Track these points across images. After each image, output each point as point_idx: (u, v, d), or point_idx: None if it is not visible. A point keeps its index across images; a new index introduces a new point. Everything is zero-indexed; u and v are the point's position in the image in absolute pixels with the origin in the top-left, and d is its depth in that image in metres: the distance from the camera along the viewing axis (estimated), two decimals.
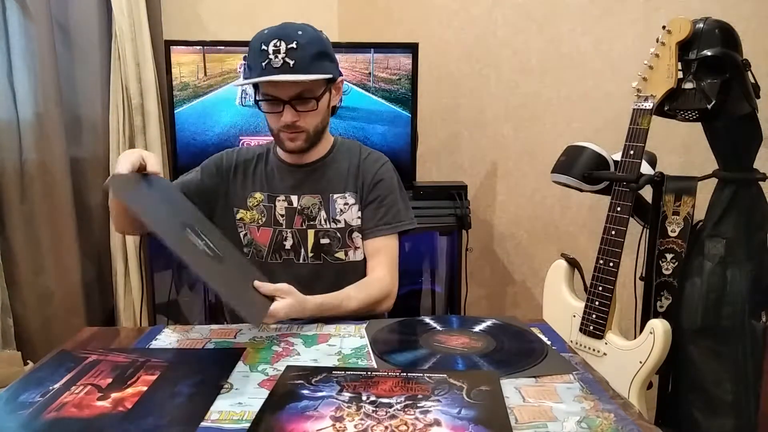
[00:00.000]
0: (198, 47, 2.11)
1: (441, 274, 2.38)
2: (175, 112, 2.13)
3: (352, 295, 1.23)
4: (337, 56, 2.05)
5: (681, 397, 1.47)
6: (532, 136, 2.17)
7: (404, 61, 2.11)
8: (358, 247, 1.34)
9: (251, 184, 1.35)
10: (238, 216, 1.34)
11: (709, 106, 1.33)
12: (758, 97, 1.37)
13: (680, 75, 1.38)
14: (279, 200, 1.33)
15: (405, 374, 0.90)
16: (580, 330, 1.49)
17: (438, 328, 1.11)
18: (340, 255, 1.32)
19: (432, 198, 2.09)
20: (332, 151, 1.36)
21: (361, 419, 0.78)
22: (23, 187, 2.17)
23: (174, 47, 2.11)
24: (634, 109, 1.42)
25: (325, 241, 1.32)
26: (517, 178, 2.23)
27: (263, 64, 1.17)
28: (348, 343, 1.05)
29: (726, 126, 1.39)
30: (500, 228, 2.32)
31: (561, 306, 1.57)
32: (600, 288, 1.45)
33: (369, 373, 0.92)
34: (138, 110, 2.31)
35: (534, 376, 0.91)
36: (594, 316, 1.46)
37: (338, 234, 1.32)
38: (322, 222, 1.32)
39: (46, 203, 2.20)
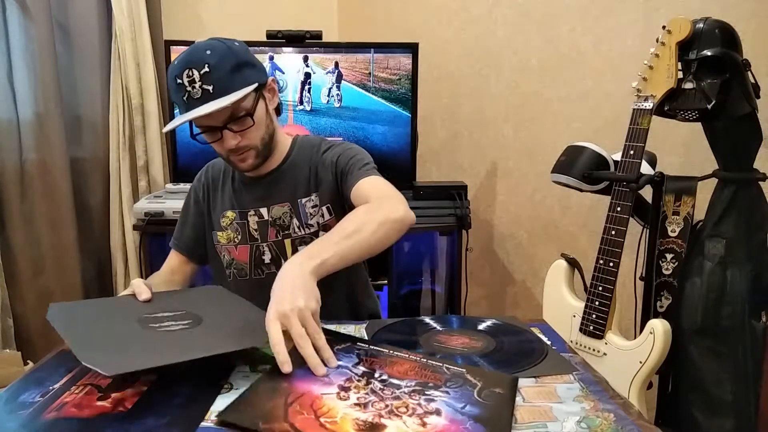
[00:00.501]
0: None
1: (441, 274, 2.39)
2: (175, 112, 2.13)
3: (343, 227, 1.03)
4: (337, 56, 2.05)
5: (681, 397, 1.47)
6: (532, 136, 2.17)
7: (404, 61, 2.11)
8: None
9: (221, 204, 1.31)
10: (217, 238, 1.31)
11: (709, 106, 1.33)
12: (758, 97, 1.37)
13: (680, 75, 1.38)
14: (250, 215, 1.28)
15: (425, 360, 0.91)
16: (580, 330, 1.49)
17: (438, 328, 1.11)
18: None
19: (432, 198, 2.09)
20: (290, 153, 1.30)
21: (366, 393, 0.80)
22: (23, 187, 2.18)
23: (174, 47, 2.11)
24: (634, 109, 1.42)
25: (302, 248, 1.25)
26: (517, 178, 2.23)
27: (184, 98, 1.10)
28: None
29: (726, 126, 1.39)
30: (500, 228, 2.32)
31: (561, 306, 1.57)
32: (600, 288, 1.45)
33: (391, 352, 0.94)
34: (138, 110, 2.31)
35: (534, 376, 0.91)
36: (594, 316, 1.46)
37: (314, 239, 1.26)
38: (296, 230, 1.27)
39: (46, 203, 2.20)
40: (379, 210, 1.07)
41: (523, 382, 0.89)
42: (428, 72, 2.33)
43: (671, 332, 1.36)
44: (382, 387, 0.83)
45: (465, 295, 2.15)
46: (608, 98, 1.91)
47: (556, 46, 2.04)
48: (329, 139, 1.35)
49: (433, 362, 0.92)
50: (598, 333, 1.46)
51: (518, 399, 0.84)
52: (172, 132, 2.15)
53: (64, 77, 2.23)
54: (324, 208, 1.27)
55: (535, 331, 1.12)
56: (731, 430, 1.39)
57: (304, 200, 1.27)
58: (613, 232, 1.43)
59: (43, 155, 2.17)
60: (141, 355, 0.87)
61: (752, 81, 1.36)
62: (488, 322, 1.14)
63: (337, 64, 2.11)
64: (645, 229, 1.54)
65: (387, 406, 0.78)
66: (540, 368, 0.94)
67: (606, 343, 1.45)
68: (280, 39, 2.08)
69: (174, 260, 1.36)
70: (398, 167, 2.15)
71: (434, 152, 2.47)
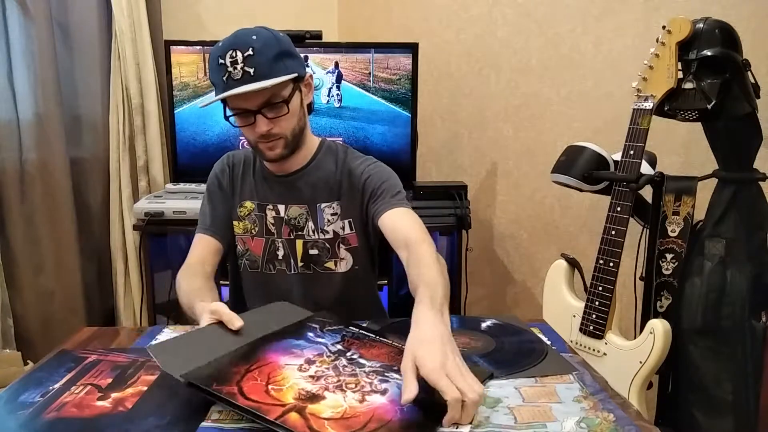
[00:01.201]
0: (198, 47, 2.11)
1: None
2: (175, 112, 2.13)
3: (435, 280, 0.99)
4: (337, 56, 2.05)
5: (681, 397, 1.47)
6: (532, 136, 2.17)
7: (404, 61, 2.11)
8: (343, 259, 1.29)
9: (240, 194, 1.31)
10: (234, 228, 1.31)
11: (709, 106, 1.33)
12: (758, 97, 1.37)
13: (680, 75, 1.38)
14: (268, 209, 1.29)
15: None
16: (580, 330, 1.49)
17: None
18: (330, 265, 1.29)
19: (432, 198, 2.09)
20: (316, 155, 1.30)
21: (326, 368, 0.86)
22: (23, 187, 2.17)
23: (174, 47, 2.11)
24: (634, 109, 1.42)
25: (314, 252, 1.28)
26: (517, 178, 2.23)
27: (224, 78, 1.12)
28: None
29: (726, 126, 1.39)
30: (500, 228, 2.32)
31: (561, 306, 1.57)
32: (600, 288, 1.45)
33: (377, 337, 0.99)
34: (138, 110, 2.31)
35: (534, 377, 0.91)
36: (594, 316, 1.46)
37: (327, 245, 1.28)
38: (310, 233, 1.28)
39: (46, 203, 2.20)
40: (440, 267, 1.06)
41: (523, 382, 0.89)
42: (428, 72, 2.32)
43: (671, 332, 1.36)
44: (346, 364, 0.88)
45: (465, 295, 2.15)
46: (608, 98, 1.91)
47: (556, 46, 2.04)
48: (355, 151, 1.34)
49: None
50: (598, 333, 1.46)
51: (518, 399, 0.84)
52: (172, 132, 2.15)
53: (64, 77, 2.23)
54: (345, 222, 1.28)
55: (535, 331, 1.12)
56: (731, 430, 1.39)
57: (323, 205, 1.28)
58: (613, 232, 1.43)
59: (43, 155, 2.17)
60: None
61: (752, 81, 1.36)
62: (488, 322, 1.14)
63: (337, 64, 2.11)
64: (645, 229, 1.53)
65: (339, 381, 0.83)
66: (540, 368, 0.94)
67: (606, 343, 1.45)
68: None
69: (204, 248, 1.29)
70: (398, 167, 2.12)
71: (434, 152, 2.47)
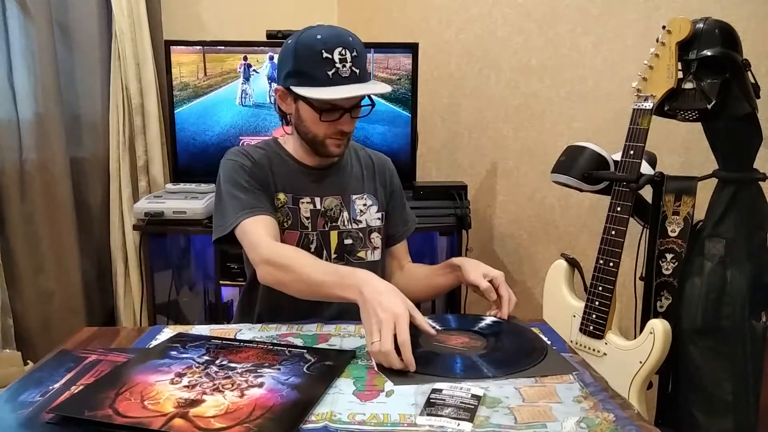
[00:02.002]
0: (198, 47, 2.11)
1: None
2: (175, 112, 2.13)
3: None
4: None
5: (681, 397, 1.47)
6: (532, 136, 2.17)
7: (404, 61, 2.11)
8: (377, 247, 1.34)
9: (273, 185, 1.28)
10: None
11: (709, 106, 1.33)
12: (758, 97, 1.37)
13: (680, 75, 1.38)
14: (303, 202, 1.29)
15: (273, 347, 0.99)
16: (580, 330, 1.49)
17: (437, 327, 1.11)
18: (362, 255, 1.32)
19: (432, 198, 2.09)
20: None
21: (199, 377, 0.87)
22: (23, 187, 2.17)
23: (174, 47, 2.11)
24: (634, 109, 1.42)
25: (348, 241, 1.31)
26: (517, 178, 2.23)
27: (329, 73, 1.12)
28: (348, 343, 1.05)
29: (726, 126, 1.39)
30: (500, 228, 2.32)
31: (561, 306, 1.57)
32: (600, 288, 1.45)
33: (241, 344, 1.02)
34: (138, 110, 2.31)
35: (534, 377, 0.91)
36: (594, 316, 1.46)
37: (360, 234, 1.32)
38: (345, 223, 1.30)
39: (46, 203, 2.20)
40: None
41: (523, 382, 0.89)
42: (428, 72, 2.32)
43: (671, 332, 1.36)
44: (217, 370, 0.90)
45: (465, 295, 2.15)
46: (608, 98, 1.91)
47: (556, 46, 2.04)
48: (365, 147, 1.44)
49: (279, 347, 1.00)
50: (598, 333, 1.46)
51: (518, 399, 0.84)
52: (172, 132, 2.15)
53: (64, 77, 2.23)
54: (382, 213, 1.36)
55: (535, 331, 1.12)
56: (731, 430, 1.39)
57: (354, 197, 1.32)
58: (613, 232, 1.43)
59: (43, 155, 2.17)
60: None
61: (752, 81, 1.36)
62: (488, 321, 1.14)
63: None
64: (645, 229, 1.53)
65: (215, 385, 0.85)
66: (540, 368, 0.94)
67: (606, 343, 1.45)
68: (280, 39, 2.08)
69: (270, 225, 1.18)
70: (398, 167, 2.13)
71: (434, 152, 2.47)
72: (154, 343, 1.06)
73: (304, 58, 1.14)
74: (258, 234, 1.14)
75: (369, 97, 1.21)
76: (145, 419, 0.75)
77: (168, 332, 1.11)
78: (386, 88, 1.19)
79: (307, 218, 1.29)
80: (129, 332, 1.17)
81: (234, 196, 1.20)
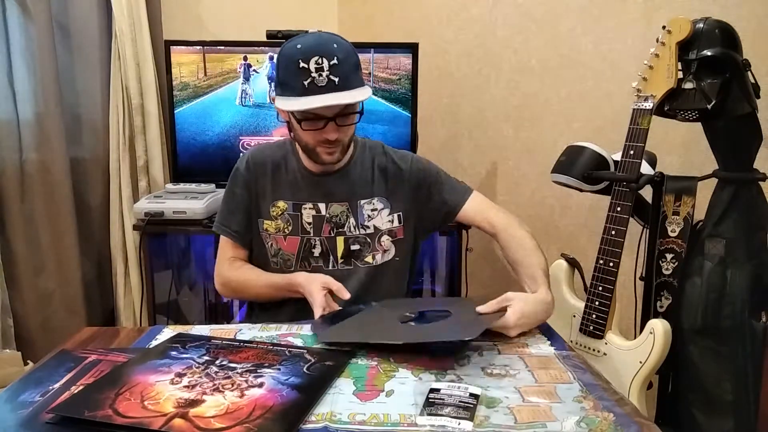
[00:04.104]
0: (198, 47, 2.11)
1: (441, 274, 2.38)
2: (175, 112, 2.13)
3: (533, 258, 1.27)
4: None
5: (681, 397, 1.47)
6: (532, 136, 2.17)
7: (404, 61, 2.11)
8: (387, 250, 1.33)
9: (272, 193, 1.32)
10: (264, 227, 1.33)
11: (709, 106, 1.33)
12: (758, 97, 1.37)
13: (680, 75, 1.38)
14: (305, 208, 1.30)
15: (273, 347, 1.00)
16: (580, 330, 1.49)
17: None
18: (369, 259, 1.32)
19: None
20: (355, 153, 1.35)
21: (199, 377, 0.87)
22: (23, 187, 2.17)
23: (174, 47, 2.11)
24: (634, 109, 1.42)
25: (355, 247, 1.31)
26: (517, 178, 2.23)
27: (305, 83, 1.13)
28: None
29: (726, 126, 1.39)
30: None
31: (561, 306, 1.56)
32: (600, 288, 1.45)
33: (241, 344, 1.02)
34: (138, 110, 2.31)
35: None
36: (594, 316, 1.46)
37: (368, 239, 1.31)
38: (352, 229, 1.31)
39: (46, 203, 2.20)
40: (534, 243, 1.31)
41: (523, 382, 0.89)
42: (428, 72, 2.32)
43: (671, 332, 1.36)
44: (217, 370, 0.90)
45: (465, 295, 2.15)
46: (608, 98, 1.90)
47: (556, 46, 2.04)
48: (391, 147, 1.42)
49: (279, 347, 1.00)
50: (598, 333, 1.46)
51: (518, 399, 0.84)
52: (172, 132, 2.15)
53: (64, 77, 2.23)
54: (395, 216, 1.33)
55: (535, 330, 1.12)
56: (731, 430, 1.39)
57: (363, 202, 1.31)
58: (613, 232, 1.43)
59: (43, 155, 2.17)
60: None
61: (752, 81, 1.36)
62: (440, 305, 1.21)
63: None
64: (645, 229, 1.53)
65: (215, 385, 0.85)
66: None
67: (606, 343, 1.45)
68: (280, 39, 2.08)
69: (233, 251, 1.36)
70: None
71: (434, 152, 2.47)
72: (154, 343, 1.06)
73: (284, 68, 1.17)
74: (220, 256, 1.36)
75: (362, 103, 1.21)
76: (145, 419, 0.75)
77: (168, 332, 1.11)
78: (364, 95, 1.17)
79: (309, 224, 1.30)
80: (129, 332, 1.18)
81: (224, 201, 1.37)
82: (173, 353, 0.97)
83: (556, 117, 2.08)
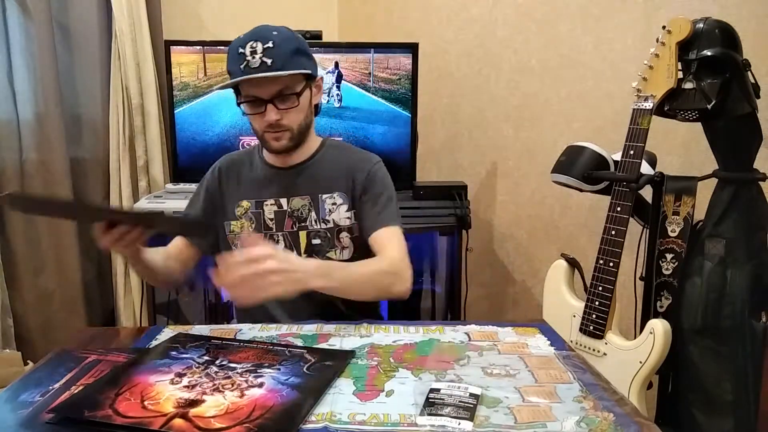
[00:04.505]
0: (198, 47, 2.11)
1: (441, 275, 2.38)
2: (175, 112, 2.13)
3: (360, 264, 1.22)
4: (337, 56, 2.05)
5: (681, 397, 1.47)
6: (532, 136, 2.17)
7: (404, 61, 2.11)
8: (346, 247, 1.32)
9: (237, 194, 1.34)
10: (231, 228, 1.34)
11: (709, 106, 1.33)
12: (758, 97, 1.37)
13: (680, 75, 1.38)
14: (267, 204, 1.32)
15: (273, 347, 1.00)
16: (580, 330, 1.49)
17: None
18: (331, 255, 1.32)
19: (432, 198, 2.09)
20: (320, 150, 1.35)
21: (199, 377, 0.87)
22: (23, 187, 2.17)
23: (174, 47, 2.11)
24: (634, 109, 1.42)
25: (316, 241, 1.31)
26: (517, 178, 2.23)
27: (241, 66, 1.17)
28: (348, 343, 1.05)
29: (726, 126, 1.39)
30: (500, 228, 2.32)
31: (561, 306, 1.57)
32: (600, 288, 1.45)
33: (241, 344, 1.01)
34: (138, 110, 2.31)
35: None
36: (594, 316, 1.46)
37: (328, 234, 1.31)
38: (313, 223, 1.31)
39: None
40: (397, 275, 1.21)
41: (523, 382, 0.89)
42: (428, 72, 2.32)
43: (671, 332, 1.36)
44: (217, 370, 0.90)
45: (465, 295, 2.15)
46: (608, 98, 1.90)
47: (556, 46, 2.04)
48: (357, 148, 1.43)
49: (279, 347, 1.00)
50: (598, 333, 1.46)
51: (518, 399, 0.84)
52: (172, 132, 2.15)
53: (64, 77, 2.23)
54: (352, 213, 1.32)
55: (535, 331, 1.12)
56: (731, 430, 1.39)
57: (324, 196, 1.31)
58: (613, 232, 1.43)
59: (43, 155, 2.17)
60: None
61: (752, 81, 1.36)
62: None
63: (337, 64, 2.11)
64: (645, 229, 1.53)
65: (215, 385, 0.85)
66: None
67: (606, 343, 1.45)
68: None
69: (174, 245, 1.37)
70: (398, 167, 2.14)
71: (434, 152, 2.47)
72: (154, 343, 1.06)
73: (229, 58, 1.22)
74: (162, 248, 1.36)
75: (311, 87, 1.24)
76: (145, 419, 0.75)
77: (168, 332, 1.11)
78: (286, 72, 1.16)
79: (271, 219, 1.32)
80: (129, 332, 1.18)
81: (188, 203, 1.42)
82: (173, 353, 0.97)
83: (556, 117, 2.08)
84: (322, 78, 1.32)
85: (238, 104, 1.25)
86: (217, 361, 0.93)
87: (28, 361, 2.14)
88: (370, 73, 2.11)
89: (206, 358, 0.95)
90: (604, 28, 1.91)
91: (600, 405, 0.82)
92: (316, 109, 1.34)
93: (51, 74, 2.14)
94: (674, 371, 1.49)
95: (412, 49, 2.12)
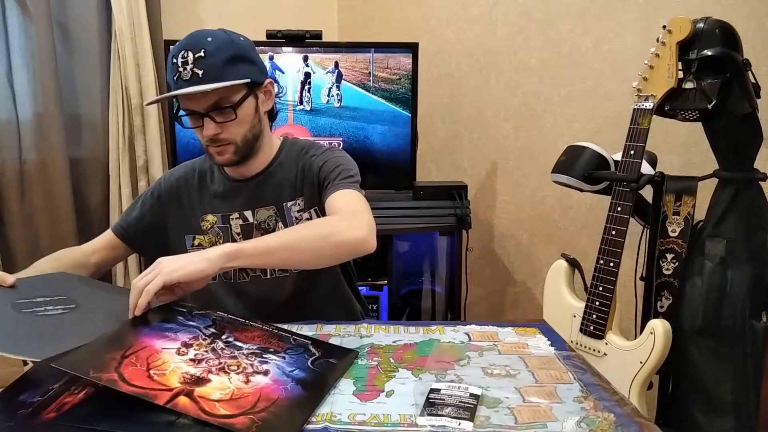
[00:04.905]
0: None
1: (441, 274, 2.38)
2: (175, 111, 2.13)
3: (296, 227, 1.14)
4: (337, 56, 2.04)
5: (681, 397, 1.47)
6: (532, 136, 2.17)
7: (404, 61, 2.11)
8: None
9: (200, 207, 1.28)
10: (195, 242, 1.28)
11: (709, 106, 1.33)
12: (758, 97, 1.37)
13: (681, 75, 1.38)
14: (233, 218, 1.26)
15: (277, 331, 0.98)
16: (581, 330, 1.49)
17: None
18: None
19: (432, 198, 2.09)
20: (278, 156, 1.28)
21: (205, 351, 0.86)
22: (23, 187, 2.17)
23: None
24: (634, 109, 1.42)
25: None
26: (517, 178, 2.23)
27: (174, 78, 1.11)
28: (348, 343, 1.05)
29: (726, 126, 1.39)
30: (500, 228, 2.32)
31: (561, 306, 1.57)
32: (600, 288, 1.45)
33: (247, 322, 1.00)
34: (138, 110, 2.30)
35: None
36: (594, 316, 1.46)
37: None
38: None
39: (46, 203, 2.19)
40: (333, 225, 1.09)
41: (524, 382, 0.89)
42: (428, 72, 2.32)
43: (671, 332, 1.36)
44: (223, 347, 0.89)
45: (465, 295, 2.15)
46: (608, 98, 1.91)
47: (556, 46, 2.04)
48: (320, 143, 1.34)
49: (284, 333, 0.98)
50: (598, 333, 1.46)
51: (518, 399, 0.84)
52: (172, 132, 2.15)
53: (64, 77, 2.22)
54: (312, 211, 1.26)
55: (535, 331, 1.12)
56: (731, 430, 1.39)
57: (289, 204, 1.25)
58: (614, 232, 1.43)
59: (43, 155, 2.17)
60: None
61: (752, 81, 1.36)
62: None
63: (337, 64, 2.11)
64: (645, 229, 1.53)
65: (220, 363, 0.84)
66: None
67: (606, 343, 1.45)
68: (280, 39, 2.08)
69: (103, 241, 1.35)
70: (398, 167, 2.14)
71: (434, 152, 2.47)
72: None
73: (166, 68, 1.17)
74: (84, 245, 1.36)
75: (255, 98, 1.17)
76: (150, 392, 0.74)
77: None
78: (214, 86, 1.08)
79: (239, 234, 1.26)
80: None
81: (128, 208, 1.37)
82: (179, 318, 0.95)
83: (556, 117, 2.08)
84: (272, 81, 1.23)
85: (177, 117, 1.18)
86: (224, 336, 0.92)
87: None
88: (370, 73, 2.11)
89: (212, 330, 0.93)
90: (604, 28, 1.91)
91: (600, 405, 0.82)
92: (270, 115, 1.27)
93: (50, 74, 2.14)
94: (674, 371, 1.49)
95: (412, 49, 2.12)
